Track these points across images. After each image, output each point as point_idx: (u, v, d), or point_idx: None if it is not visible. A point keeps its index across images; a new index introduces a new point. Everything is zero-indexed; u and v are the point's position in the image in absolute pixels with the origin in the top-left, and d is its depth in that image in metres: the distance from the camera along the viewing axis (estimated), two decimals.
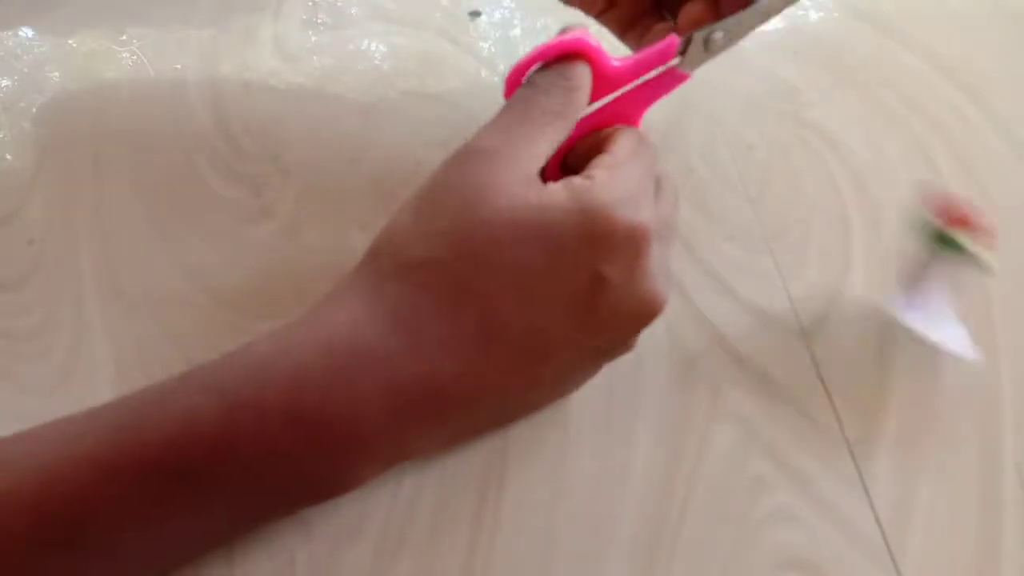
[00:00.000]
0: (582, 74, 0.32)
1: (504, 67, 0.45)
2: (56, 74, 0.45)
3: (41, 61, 0.45)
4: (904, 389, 0.35)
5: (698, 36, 0.33)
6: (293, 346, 0.28)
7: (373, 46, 0.46)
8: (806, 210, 0.40)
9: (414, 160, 0.42)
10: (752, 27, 0.34)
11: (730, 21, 0.33)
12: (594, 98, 0.33)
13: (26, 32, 0.46)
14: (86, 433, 0.27)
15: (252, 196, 0.40)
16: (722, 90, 0.44)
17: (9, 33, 0.46)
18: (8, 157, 0.42)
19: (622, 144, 0.31)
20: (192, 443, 0.27)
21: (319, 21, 0.46)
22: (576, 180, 0.29)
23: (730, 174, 0.41)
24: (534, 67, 0.32)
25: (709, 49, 0.34)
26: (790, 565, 0.31)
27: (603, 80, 0.32)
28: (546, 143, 0.30)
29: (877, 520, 0.32)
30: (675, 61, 0.33)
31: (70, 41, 0.46)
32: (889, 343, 0.36)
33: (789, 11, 0.47)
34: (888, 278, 0.38)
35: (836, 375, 0.36)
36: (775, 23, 0.47)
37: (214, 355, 0.36)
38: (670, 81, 0.34)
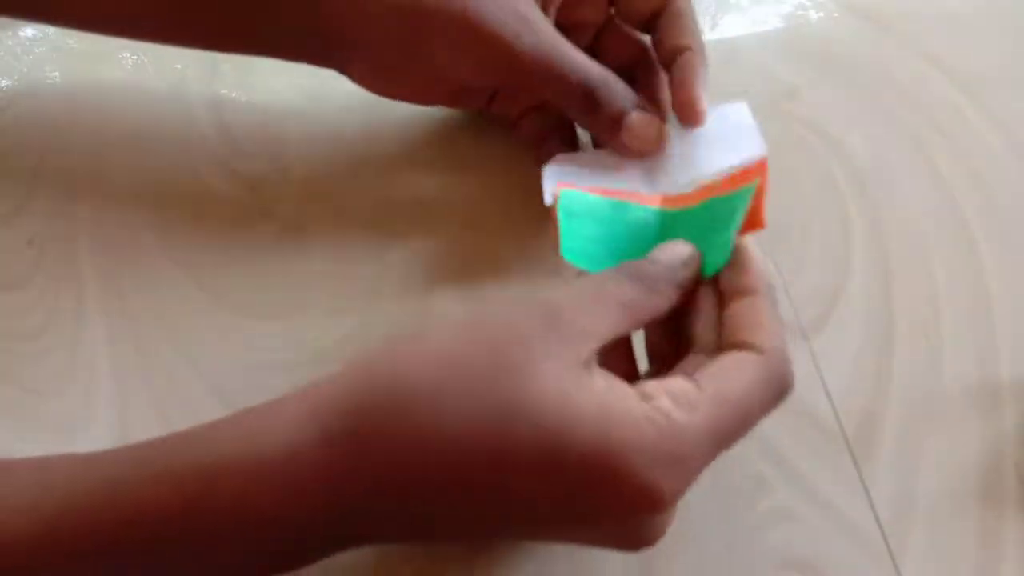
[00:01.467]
0: (666, 287, 0.29)
1: None
2: (56, 74, 0.45)
3: (41, 61, 0.45)
4: (904, 389, 0.35)
5: None
6: (256, 447, 0.26)
7: None
8: (806, 210, 0.40)
9: (415, 160, 0.42)
10: None
11: None
12: None
13: (26, 32, 0.46)
14: (35, 507, 0.26)
15: (252, 196, 0.40)
16: (722, 90, 0.44)
17: (9, 33, 0.46)
18: (8, 157, 0.42)
19: (743, 378, 0.27)
20: (139, 535, 0.26)
21: None
22: (632, 401, 0.25)
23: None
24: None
25: None
26: (790, 565, 0.31)
27: None
28: (607, 328, 0.27)
29: (877, 520, 0.32)
30: None
31: (70, 41, 0.46)
32: (889, 343, 0.36)
33: (789, 11, 0.48)
34: (888, 278, 0.38)
35: (836, 375, 0.35)
36: (775, 23, 0.47)
37: (214, 355, 0.36)
38: None
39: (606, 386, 0.26)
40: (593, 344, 0.26)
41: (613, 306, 0.27)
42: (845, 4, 0.48)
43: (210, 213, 0.40)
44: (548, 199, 0.34)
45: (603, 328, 0.27)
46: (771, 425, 0.34)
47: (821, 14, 0.47)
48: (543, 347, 0.26)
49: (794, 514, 0.32)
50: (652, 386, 0.26)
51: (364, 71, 0.38)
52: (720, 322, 0.29)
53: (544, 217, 0.40)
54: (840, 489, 0.33)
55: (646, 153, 0.35)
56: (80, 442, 0.34)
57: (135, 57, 0.45)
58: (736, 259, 0.29)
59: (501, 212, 0.40)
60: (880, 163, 0.42)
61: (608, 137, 0.35)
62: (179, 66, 0.45)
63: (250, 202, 0.40)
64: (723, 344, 0.28)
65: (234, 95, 0.44)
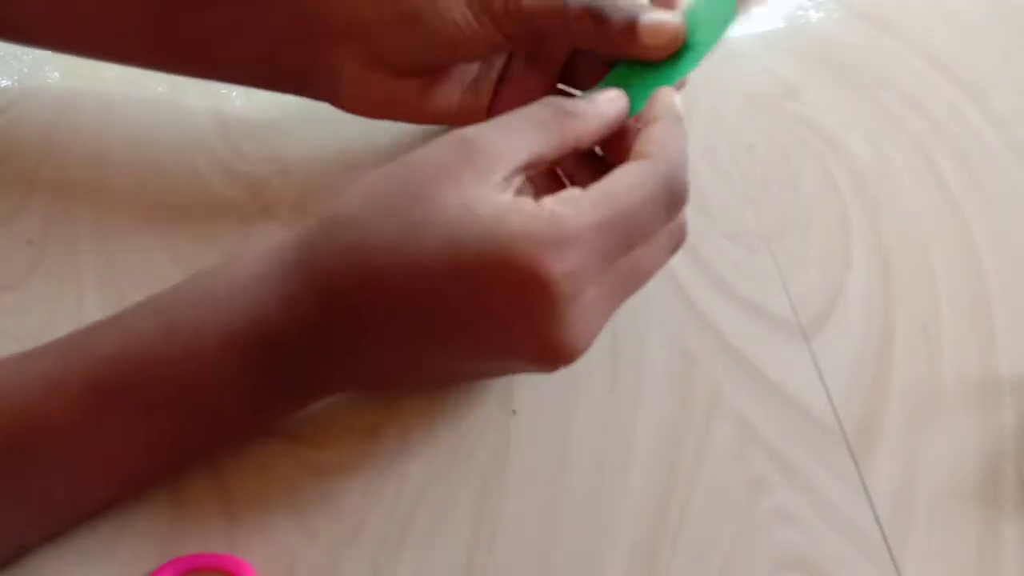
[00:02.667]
0: (584, 110, 0.31)
1: None
2: (56, 74, 0.45)
3: (41, 61, 0.45)
4: (904, 388, 0.35)
5: None
6: (232, 278, 0.30)
7: None
8: (806, 210, 0.40)
9: None
10: None
11: None
12: None
13: None
14: (42, 354, 0.30)
15: (252, 196, 0.40)
16: (722, 90, 0.44)
17: None
18: (8, 157, 0.42)
19: (628, 178, 0.29)
20: (132, 358, 0.29)
21: None
22: (525, 206, 0.28)
23: (730, 174, 0.41)
24: None
25: None
26: (790, 565, 0.31)
27: None
28: (522, 148, 0.29)
29: (877, 520, 0.32)
30: None
31: None
32: (889, 343, 0.36)
33: (789, 11, 0.48)
34: (888, 278, 0.38)
35: (836, 375, 0.36)
36: (775, 23, 0.47)
37: None
38: None
39: (509, 199, 0.28)
40: (506, 165, 0.29)
41: (526, 127, 0.30)
42: (845, 4, 0.48)
43: (210, 213, 0.40)
44: None
45: (515, 149, 0.29)
46: (771, 425, 0.34)
47: (821, 14, 0.47)
48: (454, 174, 0.28)
49: (794, 514, 0.32)
50: (547, 198, 0.29)
51: (359, 70, 0.37)
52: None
53: None
54: (840, 489, 0.33)
55: (669, 52, 0.34)
56: None
57: None
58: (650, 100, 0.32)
59: None
60: (880, 163, 0.42)
61: (627, 47, 0.34)
62: None
63: (250, 202, 0.40)
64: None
65: (234, 95, 0.44)
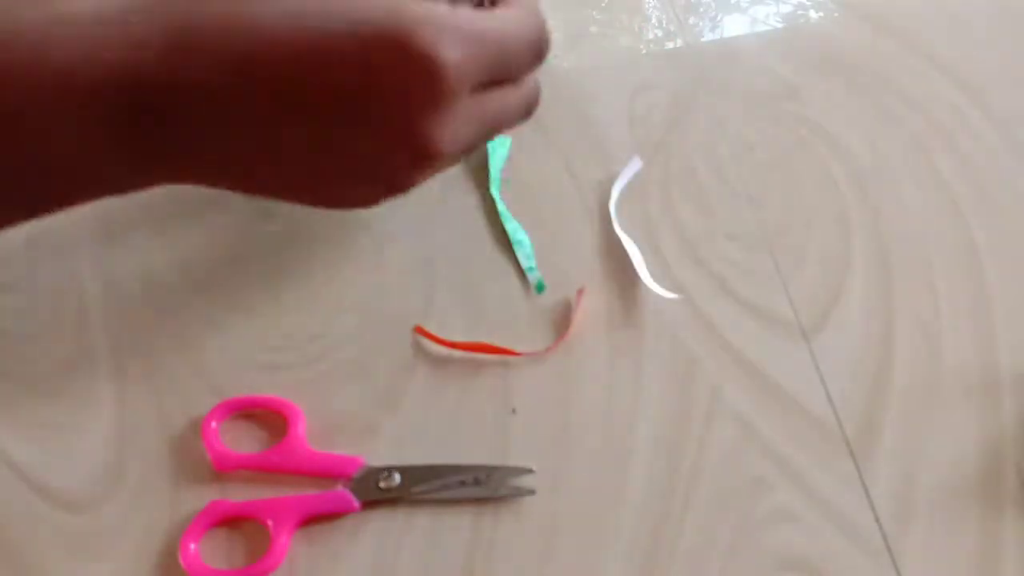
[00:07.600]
0: None
1: None
2: None
3: None
4: (904, 388, 0.35)
5: (373, 471, 0.33)
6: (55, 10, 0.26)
7: None
8: (806, 210, 0.40)
9: None
10: (433, 489, 0.33)
11: (415, 470, 0.33)
12: None
13: None
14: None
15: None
16: (722, 90, 0.44)
17: None
18: None
19: (511, 13, 0.29)
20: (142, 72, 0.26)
21: None
22: None
23: (730, 174, 0.41)
24: None
25: (384, 490, 0.33)
26: (790, 565, 0.31)
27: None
28: None
29: (877, 520, 0.32)
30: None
31: None
32: (889, 343, 0.36)
33: (789, 11, 0.48)
34: (888, 278, 0.38)
35: (836, 375, 0.36)
36: (775, 23, 0.47)
37: (214, 355, 0.36)
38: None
39: None
40: None
41: None
42: (845, 4, 0.48)
43: (211, 213, 0.40)
44: None
45: None
46: (771, 425, 0.34)
47: (821, 14, 0.47)
48: None
49: (794, 514, 0.32)
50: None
51: None
52: None
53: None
54: (840, 489, 0.33)
55: None
56: (80, 442, 0.34)
57: None
58: None
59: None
60: (880, 163, 0.42)
61: None
62: None
63: (250, 202, 0.40)
64: None
65: None
